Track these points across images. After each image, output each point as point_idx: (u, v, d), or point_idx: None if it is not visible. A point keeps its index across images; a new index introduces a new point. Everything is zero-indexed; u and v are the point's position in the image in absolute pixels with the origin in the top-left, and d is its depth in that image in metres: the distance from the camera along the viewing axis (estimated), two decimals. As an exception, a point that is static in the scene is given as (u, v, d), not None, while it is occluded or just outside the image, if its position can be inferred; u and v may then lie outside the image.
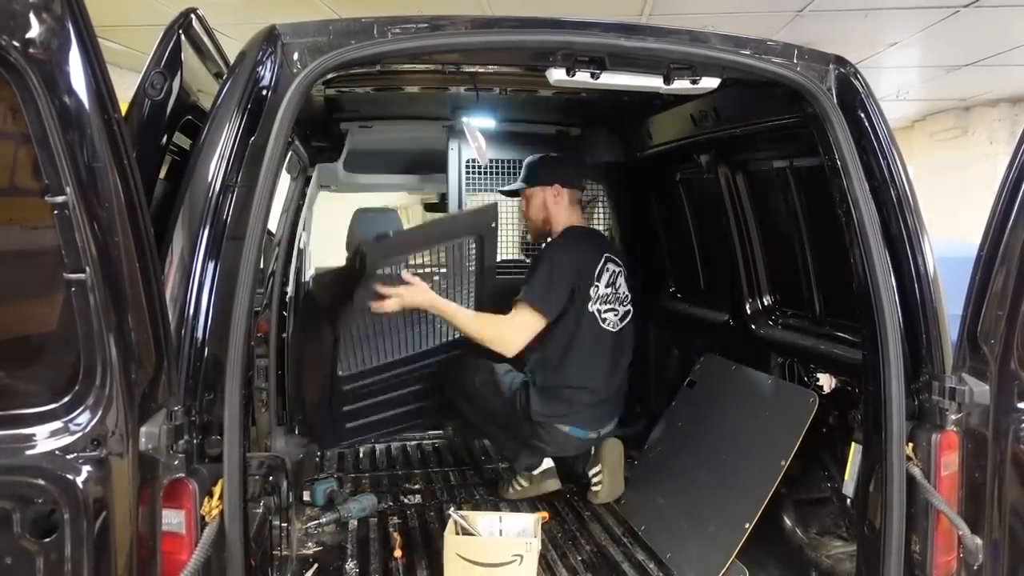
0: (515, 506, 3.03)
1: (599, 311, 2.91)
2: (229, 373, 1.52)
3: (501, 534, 2.51)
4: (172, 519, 1.43)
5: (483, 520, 2.52)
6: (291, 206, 3.53)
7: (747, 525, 2.34)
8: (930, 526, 1.79)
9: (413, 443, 3.78)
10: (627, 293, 3.03)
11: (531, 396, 2.88)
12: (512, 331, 2.75)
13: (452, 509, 2.56)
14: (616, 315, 2.98)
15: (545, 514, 2.76)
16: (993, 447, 1.79)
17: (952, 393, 1.77)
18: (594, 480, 3.03)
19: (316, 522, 2.84)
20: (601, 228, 3.84)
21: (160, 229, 1.51)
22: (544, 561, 2.52)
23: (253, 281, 1.58)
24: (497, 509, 2.99)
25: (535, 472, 3.05)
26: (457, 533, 2.44)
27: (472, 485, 3.28)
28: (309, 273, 4.11)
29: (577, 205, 3.07)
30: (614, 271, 2.98)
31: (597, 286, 2.90)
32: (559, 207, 2.99)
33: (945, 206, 8.23)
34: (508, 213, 3.71)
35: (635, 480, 3.07)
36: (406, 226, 4.02)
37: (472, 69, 2.48)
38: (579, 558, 2.63)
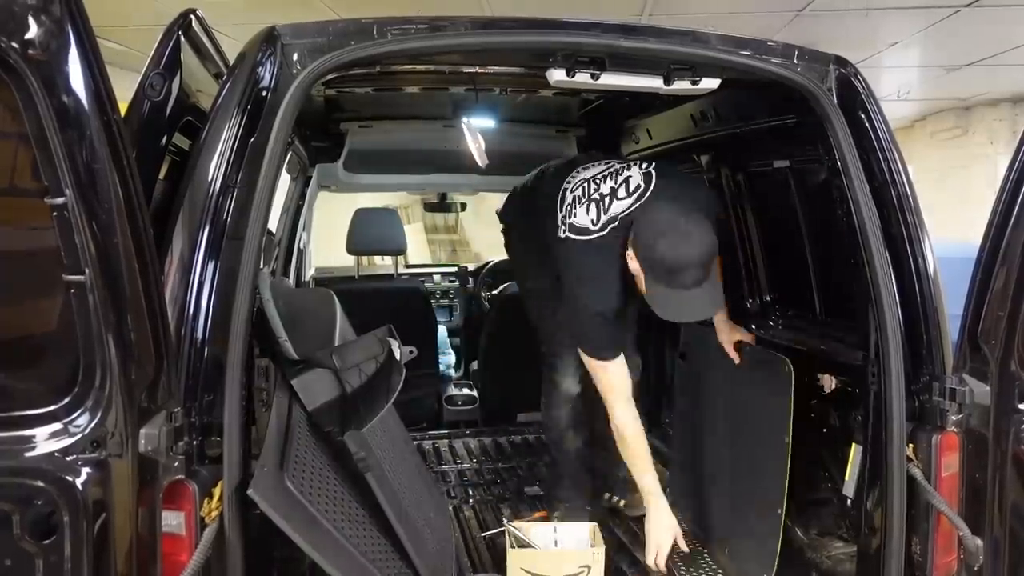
0: (518, 511, 2.96)
1: None
2: (229, 374, 1.52)
3: (556, 544, 2.39)
4: (172, 520, 1.42)
5: (537, 531, 2.40)
6: (291, 206, 3.53)
7: (780, 511, 2.33)
8: (930, 527, 1.79)
9: (413, 443, 3.77)
10: None
11: None
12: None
13: (506, 520, 2.45)
14: None
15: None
16: (994, 448, 1.78)
17: (952, 394, 1.77)
18: None
19: None
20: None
21: (160, 230, 1.51)
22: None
23: (253, 281, 1.58)
24: (497, 509, 2.99)
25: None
26: (512, 546, 2.31)
27: (472, 485, 3.27)
28: (309, 273, 4.12)
29: None
30: None
31: None
32: None
33: (945, 206, 8.23)
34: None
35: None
36: (406, 226, 4.01)
37: (472, 69, 2.48)
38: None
